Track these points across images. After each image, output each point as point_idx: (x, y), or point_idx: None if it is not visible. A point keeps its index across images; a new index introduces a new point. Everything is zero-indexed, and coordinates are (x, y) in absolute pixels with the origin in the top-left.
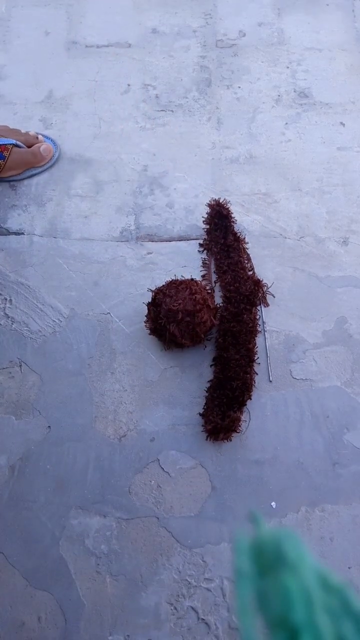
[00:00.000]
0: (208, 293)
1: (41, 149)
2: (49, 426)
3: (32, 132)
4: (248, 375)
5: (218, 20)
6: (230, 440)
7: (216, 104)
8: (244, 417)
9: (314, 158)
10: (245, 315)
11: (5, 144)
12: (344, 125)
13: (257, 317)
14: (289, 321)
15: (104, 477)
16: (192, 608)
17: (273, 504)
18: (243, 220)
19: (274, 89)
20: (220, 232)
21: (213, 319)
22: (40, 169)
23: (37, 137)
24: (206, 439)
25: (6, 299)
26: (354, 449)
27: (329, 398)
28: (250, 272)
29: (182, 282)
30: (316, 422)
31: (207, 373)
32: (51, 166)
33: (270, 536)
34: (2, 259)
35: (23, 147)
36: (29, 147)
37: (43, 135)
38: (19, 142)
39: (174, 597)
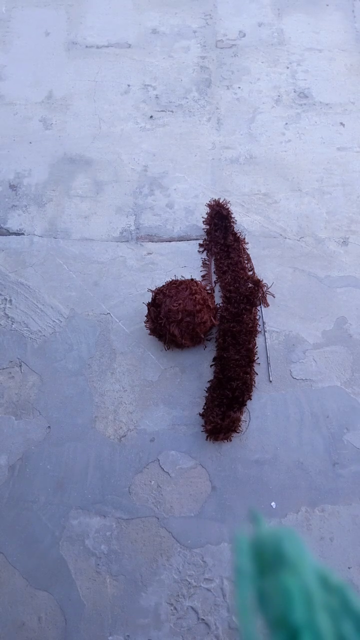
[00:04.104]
0: (208, 293)
1: None
2: (49, 426)
3: None
4: (248, 376)
5: (218, 21)
6: (230, 440)
7: (216, 104)
8: (244, 417)
9: (313, 158)
10: (245, 316)
11: None
12: (343, 125)
13: (257, 317)
14: (289, 321)
15: (104, 477)
16: (192, 608)
17: (273, 504)
18: (243, 220)
19: (274, 89)
20: (220, 232)
21: (213, 319)
22: None
23: None
24: (206, 439)
25: (6, 299)
26: (353, 449)
27: (328, 398)
28: (250, 272)
29: (182, 282)
30: (316, 422)
31: (207, 373)
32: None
33: (270, 536)
34: (2, 259)
35: None
36: None
37: None
38: None
39: (174, 597)
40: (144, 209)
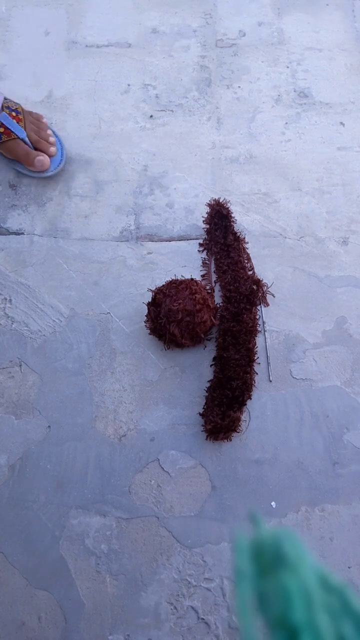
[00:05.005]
0: (208, 293)
1: (36, 158)
2: (49, 426)
3: (52, 140)
4: (248, 375)
5: (218, 20)
6: (230, 440)
7: (216, 104)
8: (243, 416)
9: (313, 158)
10: (245, 315)
11: (13, 132)
12: (343, 125)
13: (257, 316)
14: (288, 321)
15: (104, 476)
16: (192, 608)
17: (273, 503)
18: (243, 220)
19: (274, 89)
20: (220, 231)
21: (213, 318)
22: (29, 173)
23: (49, 148)
24: (206, 439)
25: (6, 299)
26: (354, 448)
27: (328, 398)
28: (250, 272)
29: (182, 282)
30: (316, 422)
31: (207, 373)
32: (48, 177)
33: (270, 536)
34: (2, 259)
35: (27, 145)
36: (35, 147)
37: (58, 145)
38: (26, 139)
39: (174, 597)
40: (144, 208)
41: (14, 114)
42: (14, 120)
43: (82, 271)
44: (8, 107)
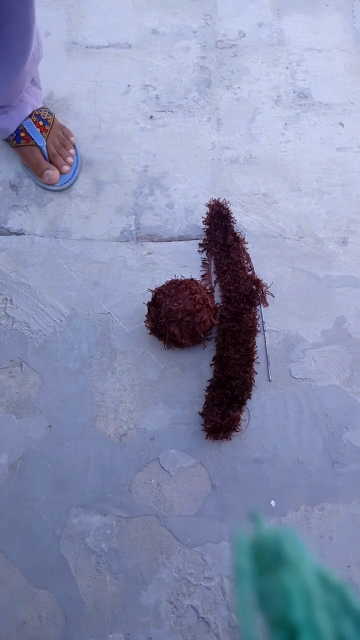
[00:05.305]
0: (208, 293)
1: (46, 171)
2: (50, 425)
3: (69, 160)
4: (248, 375)
5: (218, 21)
6: (230, 439)
7: (216, 105)
8: (243, 416)
9: (313, 158)
10: (244, 315)
11: (33, 139)
12: (343, 125)
13: (257, 316)
14: (288, 321)
15: (105, 475)
16: (192, 607)
17: (273, 502)
18: (243, 220)
19: (274, 90)
20: (220, 232)
21: (213, 318)
22: (37, 181)
23: (63, 165)
24: (206, 438)
25: (7, 299)
26: (353, 447)
27: (328, 397)
28: (250, 272)
29: (182, 282)
30: (315, 421)
31: (207, 372)
32: (56, 191)
33: (270, 535)
34: (3, 259)
35: (44, 155)
36: (50, 160)
37: (74, 165)
38: (44, 149)
39: (174, 596)
40: (144, 209)
41: (41, 123)
42: (38, 130)
43: (83, 271)
44: (38, 116)
